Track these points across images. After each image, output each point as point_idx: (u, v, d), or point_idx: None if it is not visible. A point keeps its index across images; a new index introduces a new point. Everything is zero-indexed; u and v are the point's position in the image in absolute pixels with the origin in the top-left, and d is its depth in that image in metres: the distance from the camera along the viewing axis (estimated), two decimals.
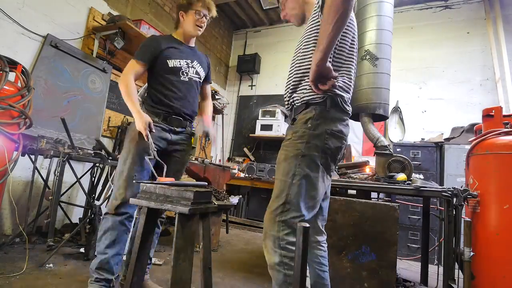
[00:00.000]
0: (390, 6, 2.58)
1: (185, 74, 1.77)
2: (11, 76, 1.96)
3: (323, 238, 1.36)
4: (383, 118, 2.58)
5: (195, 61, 1.84)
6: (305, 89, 1.20)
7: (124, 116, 3.64)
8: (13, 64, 2.00)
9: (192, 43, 1.89)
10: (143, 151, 1.58)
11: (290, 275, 1.06)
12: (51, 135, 2.50)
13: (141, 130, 1.53)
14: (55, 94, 2.81)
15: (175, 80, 1.73)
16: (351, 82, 1.24)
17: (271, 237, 1.11)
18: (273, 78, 5.61)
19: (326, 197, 1.38)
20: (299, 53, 1.28)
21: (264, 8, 5.20)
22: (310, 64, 1.15)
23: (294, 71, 1.28)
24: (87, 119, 3.09)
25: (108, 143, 3.47)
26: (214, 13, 1.88)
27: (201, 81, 1.89)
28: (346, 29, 1.18)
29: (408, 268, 2.88)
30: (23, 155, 2.14)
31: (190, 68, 1.79)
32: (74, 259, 2.12)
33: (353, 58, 1.25)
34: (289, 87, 1.30)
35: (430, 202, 2.45)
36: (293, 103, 1.27)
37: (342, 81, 1.19)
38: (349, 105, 1.24)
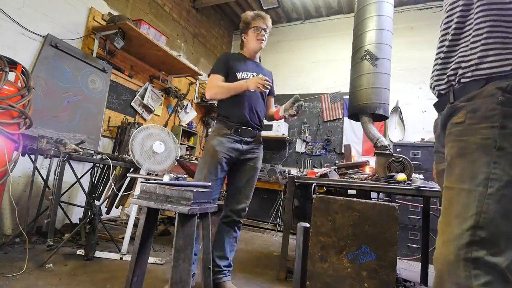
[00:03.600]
0: (390, 6, 2.59)
1: None
2: (11, 76, 1.96)
3: None
4: (383, 118, 2.58)
5: (260, 74, 1.95)
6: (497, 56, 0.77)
7: (124, 116, 3.65)
8: (13, 64, 2.00)
9: (257, 59, 2.06)
10: (217, 163, 1.76)
11: None
12: (51, 135, 2.50)
13: (259, 85, 1.69)
14: (55, 94, 2.81)
15: (243, 92, 1.81)
16: None
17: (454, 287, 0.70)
18: (273, 78, 5.60)
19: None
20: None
21: (264, 8, 5.19)
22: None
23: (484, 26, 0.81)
24: (87, 119, 3.09)
25: (108, 143, 3.47)
26: (269, 24, 1.99)
27: (267, 93, 1.98)
28: None
29: (408, 268, 2.88)
30: (23, 155, 2.14)
31: None
32: (74, 259, 2.12)
33: None
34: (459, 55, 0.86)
35: (430, 202, 2.45)
36: (457, 80, 0.84)
37: None
38: None
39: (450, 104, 0.85)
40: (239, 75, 1.86)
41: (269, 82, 1.71)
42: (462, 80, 0.83)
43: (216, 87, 1.81)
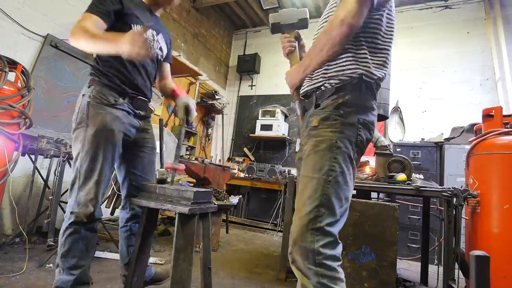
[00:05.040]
0: None
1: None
2: (11, 76, 1.96)
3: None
4: (383, 118, 2.58)
5: (160, 34, 1.48)
6: (339, 68, 1.04)
7: None
8: (13, 64, 2.00)
9: (158, 13, 1.53)
10: (115, 145, 1.30)
11: None
12: (51, 135, 2.50)
13: (142, 52, 1.09)
14: (55, 94, 2.81)
15: None
16: (386, 64, 1.15)
17: (303, 250, 0.91)
18: (273, 78, 5.61)
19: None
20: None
21: (264, 8, 5.19)
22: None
23: None
24: None
25: None
26: None
27: (162, 59, 1.56)
28: (377, 14, 1.11)
29: (408, 268, 2.88)
30: (23, 155, 2.14)
31: (155, 41, 1.43)
32: None
33: (391, 41, 1.22)
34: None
35: (430, 202, 2.45)
36: (319, 86, 1.08)
37: (377, 61, 1.10)
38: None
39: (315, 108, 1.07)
40: (135, 28, 1.30)
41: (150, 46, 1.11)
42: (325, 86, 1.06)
43: (84, 32, 1.16)
